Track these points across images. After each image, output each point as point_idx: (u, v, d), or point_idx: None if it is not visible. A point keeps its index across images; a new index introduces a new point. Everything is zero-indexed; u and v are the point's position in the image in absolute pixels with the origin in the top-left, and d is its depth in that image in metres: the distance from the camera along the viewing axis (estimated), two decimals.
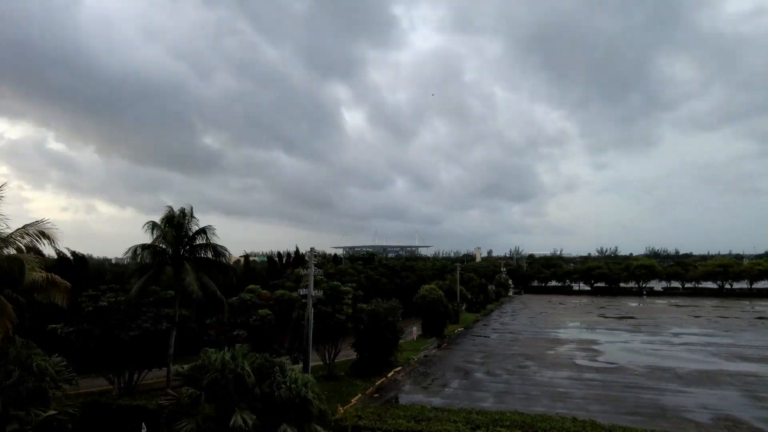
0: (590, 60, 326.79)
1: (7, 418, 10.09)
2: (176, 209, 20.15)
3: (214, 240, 20.44)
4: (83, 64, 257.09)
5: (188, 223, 20.01)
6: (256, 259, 68.87)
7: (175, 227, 19.57)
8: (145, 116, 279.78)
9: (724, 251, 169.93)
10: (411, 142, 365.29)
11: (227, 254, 21.01)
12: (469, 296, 56.56)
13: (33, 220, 12.45)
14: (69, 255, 27.24)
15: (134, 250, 19.07)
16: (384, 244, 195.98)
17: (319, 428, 10.87)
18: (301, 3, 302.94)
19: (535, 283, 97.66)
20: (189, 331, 21.66)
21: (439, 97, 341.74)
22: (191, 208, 20.31)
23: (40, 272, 12.17)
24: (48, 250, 13.96)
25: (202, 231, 20.27)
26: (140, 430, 13.71)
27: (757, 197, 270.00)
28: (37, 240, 12.29)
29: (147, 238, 19.44)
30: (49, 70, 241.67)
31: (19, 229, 12.04)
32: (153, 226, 19.28)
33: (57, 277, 12.65)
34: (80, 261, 27.88)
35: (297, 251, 49.16)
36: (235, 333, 21.12)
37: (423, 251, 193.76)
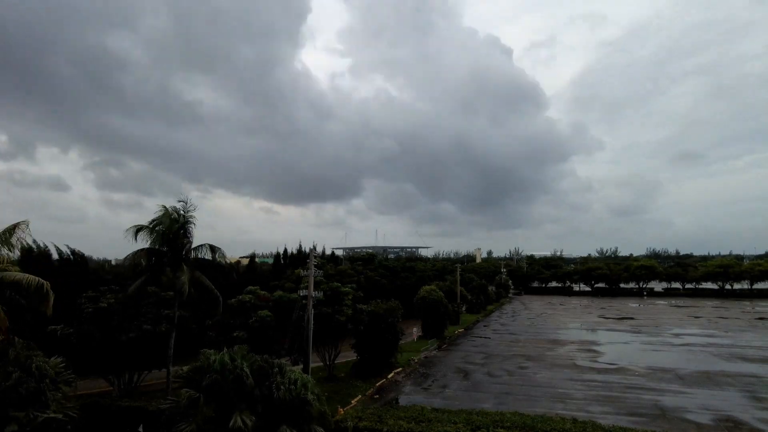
0: None
1: (7, 419, 10.06)
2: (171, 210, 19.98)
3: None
4: None
5: (186, 224, 19.89)
6: (257, 260, 68.98)
7: (171, 228, 19.44)
8: None
9: (725, 252, 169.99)
10: None
11: (225, 255, 20.95)
12: (470, 297, 56.51)
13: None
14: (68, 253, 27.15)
15: (133, 254, 18.99)
16: (384, 244, 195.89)
17: (319, 429, 10.85)
18: None
19: (536, 284, 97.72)
20: (188, 332, 21.64)
21: None
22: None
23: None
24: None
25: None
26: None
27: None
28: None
29: (146, 240, 19.36)
30: None
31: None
32: (137, 229, 19.08)
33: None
34: (80, 260, 27.71)
35: (300, 249, 49.19)
36: (234, 334, 21.09)
37: (423, 252, 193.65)
